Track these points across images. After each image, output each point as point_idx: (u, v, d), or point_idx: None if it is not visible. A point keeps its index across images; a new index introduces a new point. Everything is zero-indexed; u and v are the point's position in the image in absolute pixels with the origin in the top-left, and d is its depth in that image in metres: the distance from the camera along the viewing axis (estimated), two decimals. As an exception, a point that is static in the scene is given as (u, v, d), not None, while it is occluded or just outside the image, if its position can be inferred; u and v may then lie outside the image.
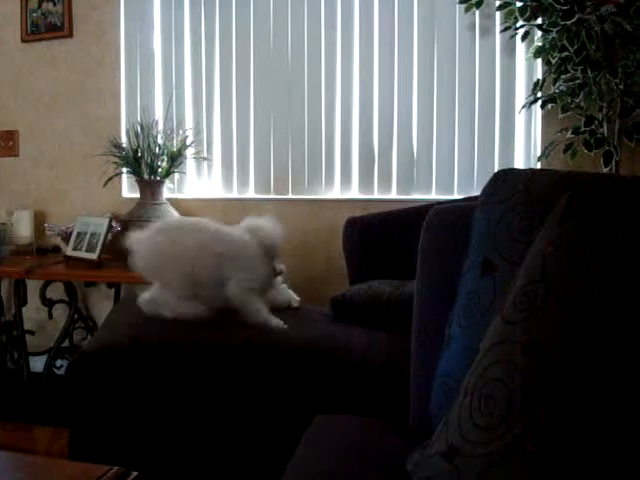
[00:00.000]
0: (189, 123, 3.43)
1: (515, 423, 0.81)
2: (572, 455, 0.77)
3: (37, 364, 3.31)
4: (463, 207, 1.42)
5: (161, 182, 3.21)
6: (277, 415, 1.86)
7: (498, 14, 2.90)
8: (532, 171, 1.26)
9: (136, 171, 3.19)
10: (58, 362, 3.29)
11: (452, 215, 1.44)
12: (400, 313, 1.93)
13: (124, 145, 3.27)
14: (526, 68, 2.99)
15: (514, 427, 0.81)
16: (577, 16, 2.42)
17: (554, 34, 2.56)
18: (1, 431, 2.95)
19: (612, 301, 0.83)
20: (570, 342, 0.82)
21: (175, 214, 3.21)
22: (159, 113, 3.45)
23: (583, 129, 2.58)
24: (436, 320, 1.33)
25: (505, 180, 1.25)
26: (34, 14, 3.62)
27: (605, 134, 2.59)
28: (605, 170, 2.52)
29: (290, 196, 3.31)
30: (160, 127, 3.29)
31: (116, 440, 1.92)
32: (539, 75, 2.88)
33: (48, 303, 3.33)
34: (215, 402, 1.89)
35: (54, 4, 3.58)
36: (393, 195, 3.17)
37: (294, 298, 2.41)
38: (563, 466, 0.77)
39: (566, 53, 2.52)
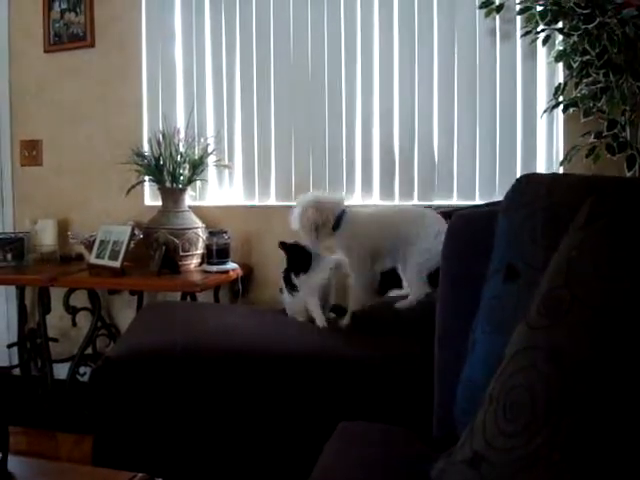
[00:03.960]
0: (210, 131, 3.44)
1: (540, 430, 0.80)
2: (599, 464, 0.76)
3: (61, 371, 3.34)
4: (486, 212, 1.41)
5: (183, 190, 3.22)
6: (301, 422, 1.86)
7: (519, 18, 2.88)
8: (554, 175, 1.25)
9: (158, 179, 3.21)
10: (82, 369, 3.31)
11: (475, 220, 1.43)
12: (422, 321, 1.92)
13: (146, 153, 3.29)
14: (547, 72, 2.97)
15: (540, 434, 0.80)
16: (598, 20, 2.41)
17: (575, 38, 2.54)
18: (25, 438, 2.98)
19: (637, 306, 0.82)
20: (595, 348, 0.81)
21: (197, 222, 3.22)
22: (181, 121, 3.47)
23: (606, 133, 2.56)
24: (459, 326, 1.33)
25: (527, 185, 1.25)
26: (56, 25, 3.67)
27: (628, 138, 2.56)
28: (628, 174, 2.49)
29: (311, 203, 3.30)
30: (182, 135, 3.31)
31: (140, 446, 1.92)
32: (560, 79, 2.86)
33: (72, 311, 3.35)
34: (239, 409, 1.89)
35: (76, 14, 3.62)
36: (414, 201, 3.14)
37: None
38: (590, 475, 0.76)
39: (587, 57, 2.50)
